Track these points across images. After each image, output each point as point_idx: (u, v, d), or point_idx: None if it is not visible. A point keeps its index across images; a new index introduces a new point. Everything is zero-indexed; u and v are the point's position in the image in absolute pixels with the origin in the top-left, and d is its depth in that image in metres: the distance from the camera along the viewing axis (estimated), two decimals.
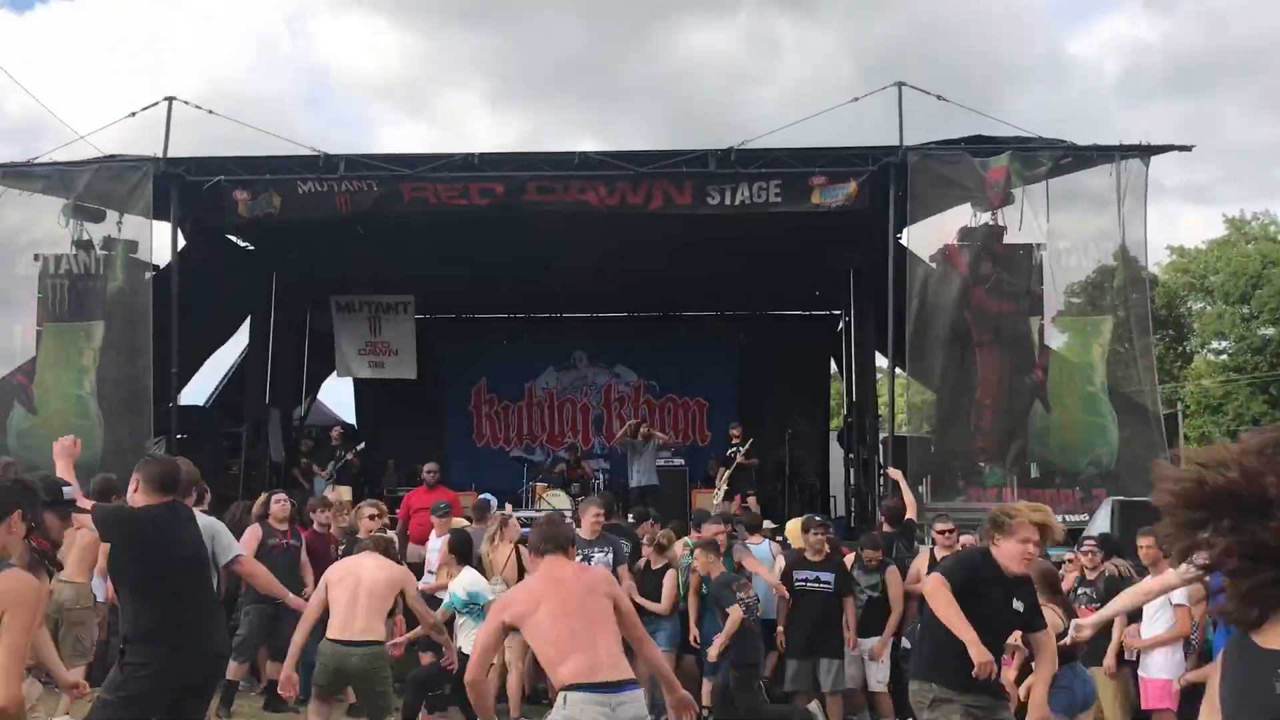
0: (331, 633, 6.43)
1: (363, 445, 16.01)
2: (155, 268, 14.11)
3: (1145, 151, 12.71)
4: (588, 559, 8.51)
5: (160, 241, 13.92)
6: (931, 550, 9.52)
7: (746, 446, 14.91)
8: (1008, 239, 12.93)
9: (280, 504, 9.56)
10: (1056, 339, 13.41)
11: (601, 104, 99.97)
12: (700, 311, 20.33)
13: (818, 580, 9.03)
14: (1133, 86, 75.08)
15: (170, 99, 13.68)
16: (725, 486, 14.44)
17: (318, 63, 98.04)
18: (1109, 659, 8.03)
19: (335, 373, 19.52)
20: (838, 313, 19.40)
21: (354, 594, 6.44)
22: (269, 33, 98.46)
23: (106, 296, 13.70)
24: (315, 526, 9.79)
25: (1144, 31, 76.23)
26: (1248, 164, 64.19)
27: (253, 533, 9.18)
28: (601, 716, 4.34)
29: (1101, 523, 10.79)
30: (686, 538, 9.80)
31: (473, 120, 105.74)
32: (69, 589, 8.05)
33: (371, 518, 9.20)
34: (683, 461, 16.12)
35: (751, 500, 14.11)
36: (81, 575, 8.08)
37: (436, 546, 10.01)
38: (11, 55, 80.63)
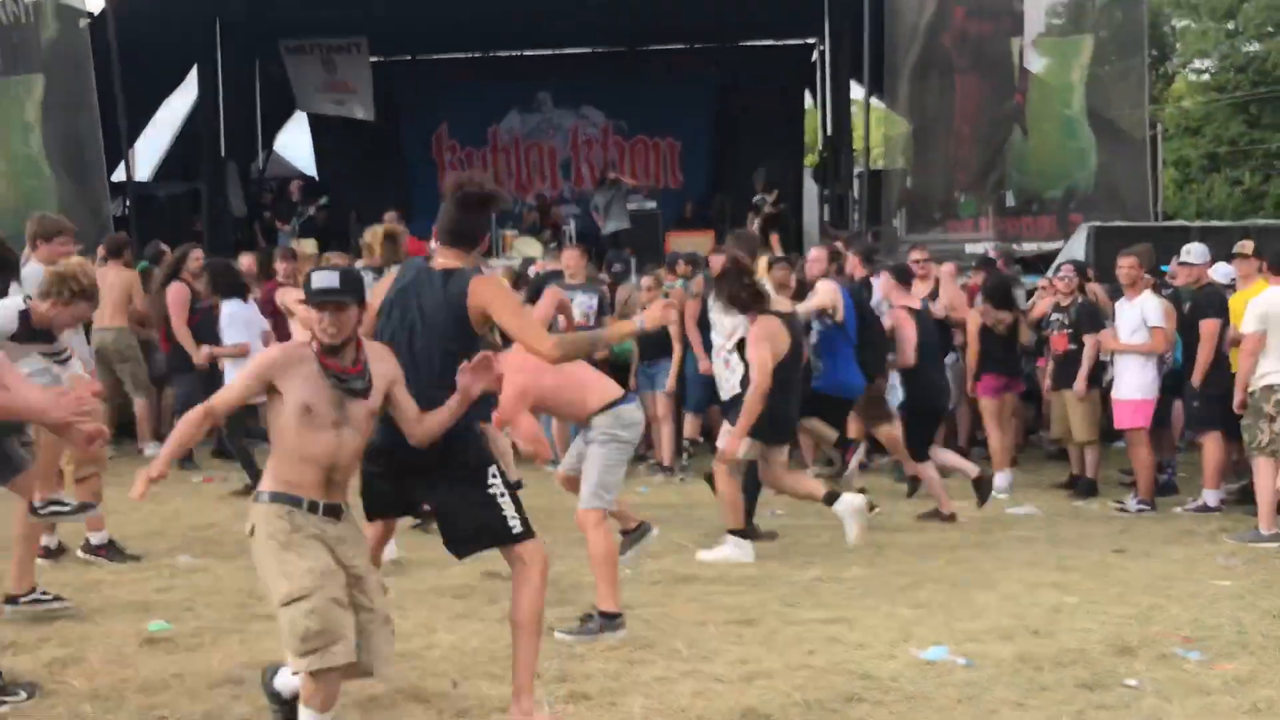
0: None
1: (326, 199, 15.62)
2: (90, 16, 13.38)
3: None
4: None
5: None
6: None
7: (774, 195, 14.47)
8: None
9: (197, 259, 9.18)
10: (1036, 63, 12.94)
11: None
12: (669, 45, 19.48)
13: None
14: None
15: None
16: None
17: None
18: (1079, 382, 8.11)
19: (296, 109, 18.85)
20: (812, 41, 18.66)
21: None
22: None
23: (42, 47, 13.06)
24: (280, 278, 9.56)
25: None
26: None
27: (178, 291, 8.98)
28: None
29: (1077, 248, 10.71)
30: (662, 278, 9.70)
31: None
32: (109, 334, 9.33)
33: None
34: (655, 205, 15.83)
35: (774, 239, 13.67)
36: (119, 320, 9.38)
37: None
38: None
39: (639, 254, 12.27)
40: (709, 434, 9.48)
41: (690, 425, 9.42)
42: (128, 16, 13.37)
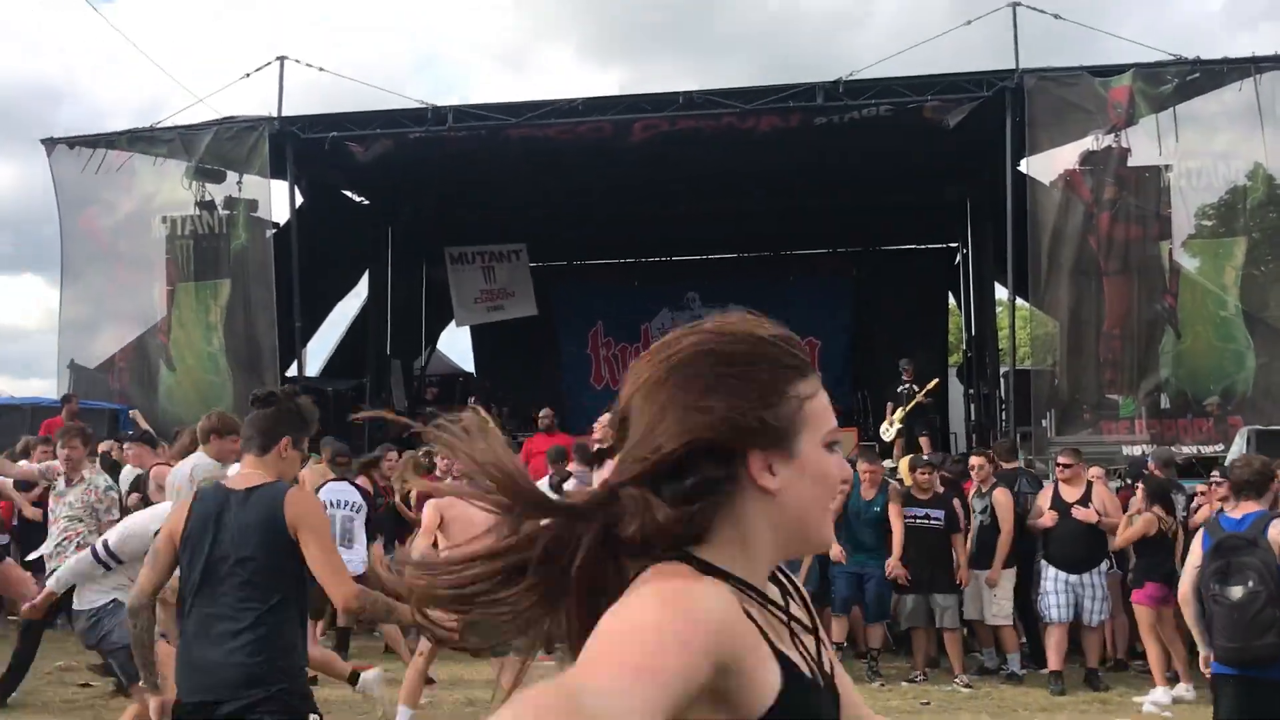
0: None
1: (507, 409, 16.08)
2: (275, 225, 14.51)
3: None
4: None
5: (279, 199, 14.34)
6: (1055, 485, 9.26)
7: (932, 385, 14.44)
8: (1133, 162, 12.42)
9: (390, 462, 9.80)
10: (1187, 263, 12.85)
11: (698, 56, 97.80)
12: (813, 250, 20.02)
13: (927, 517, 9.02)
14: (1238, 7, 71.39)
15: (282, 59, 13.95)
16: (899, 424, 14.21)
17: (423, 25, 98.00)
18: None
19: (454, 323, 19.83)
20: (955, 245, 18.90)
21: None
22: None
23: (231, 255, 14.18)
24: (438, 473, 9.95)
25: None
26: None
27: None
28: None
29: (1238, 453, 10.35)
30: None
31: (570, 75, 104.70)
32: None
33: None
34: None
35: (924, 441, 13.61)
36: None
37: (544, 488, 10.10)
38: (135, 26, 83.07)
39: None
40: (853, 639, 9.35)
41: (837, 628, 9.20)
42: (310, 226, 14.53)
